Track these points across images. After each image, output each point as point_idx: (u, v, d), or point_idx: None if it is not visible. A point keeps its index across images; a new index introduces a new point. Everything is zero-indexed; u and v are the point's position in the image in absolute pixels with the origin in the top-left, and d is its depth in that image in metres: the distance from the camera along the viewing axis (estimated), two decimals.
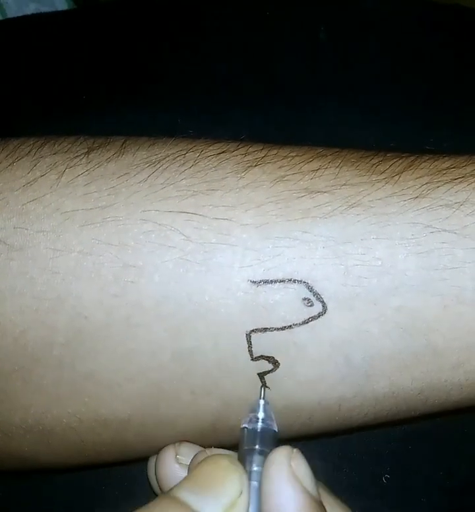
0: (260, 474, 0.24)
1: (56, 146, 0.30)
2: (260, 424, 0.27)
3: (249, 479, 0.24)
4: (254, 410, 0.27)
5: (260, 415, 0.27)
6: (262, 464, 0.25)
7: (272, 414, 0.27)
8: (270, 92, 0.45)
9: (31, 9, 0.61)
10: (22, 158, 0.29)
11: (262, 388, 0.28)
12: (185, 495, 0.22)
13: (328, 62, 0.46)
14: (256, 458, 0.25)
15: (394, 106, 0.44)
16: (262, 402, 0.27)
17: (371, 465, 0.36)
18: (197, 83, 0.46)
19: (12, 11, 0.66)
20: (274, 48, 0.47)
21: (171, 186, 0.28)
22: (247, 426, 0.27)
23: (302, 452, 0.25)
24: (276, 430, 0.27)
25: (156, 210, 0.27)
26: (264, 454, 0.25)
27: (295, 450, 0.24)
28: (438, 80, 0.45)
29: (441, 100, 0.44)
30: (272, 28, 0.48)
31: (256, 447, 0.26)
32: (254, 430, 0.27)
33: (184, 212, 0.27)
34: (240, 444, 0.27)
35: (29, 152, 0.29)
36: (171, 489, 0.23)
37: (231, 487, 0.23)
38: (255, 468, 0.25)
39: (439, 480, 0.36)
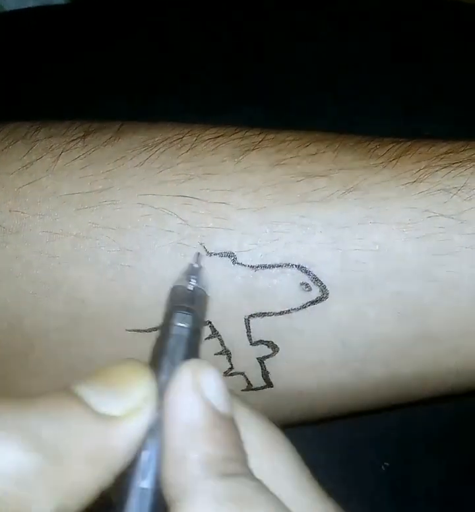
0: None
1: (52, 129, 0.30)
2: (192, 284, 0.23)
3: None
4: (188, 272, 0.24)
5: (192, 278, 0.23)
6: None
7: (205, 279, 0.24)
8: (270, 88, 0.45)
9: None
10: (18, 141, 0.29)
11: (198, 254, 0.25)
12: (84, 391, 0.19)
13: (328, 58, 0.46)
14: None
15: (393, 102, 0.44)
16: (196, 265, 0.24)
17: (369, 453, 0.36)
18: (197, 78, 0.46)
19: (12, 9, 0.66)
20: (274, 44, 0.47)
21: (168, 170, 0.28)
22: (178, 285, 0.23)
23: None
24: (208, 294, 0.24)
25: (153, 194, 0.27)
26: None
27: (205, 363, 0.21)
28: (438, 78, 0.45)
29: (441, 97, 0.44)
30: (272, 24, 0.49)
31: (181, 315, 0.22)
32: (184, 289, 0.23)
33: (181, 196, 0.27)
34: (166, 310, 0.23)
35: (25, 135, 0.29)
36: (71, 383, 0.20)
37: (137, 390, 0.19)
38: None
39: (440, 468, 0.36)
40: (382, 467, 0.36)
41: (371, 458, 0.36)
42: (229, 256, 0.27)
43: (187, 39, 0.49)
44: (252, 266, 0.27)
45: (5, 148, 0.29)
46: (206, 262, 0.27)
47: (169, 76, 0.47)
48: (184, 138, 0.29)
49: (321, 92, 0.45)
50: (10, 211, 0.27)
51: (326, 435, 0.36)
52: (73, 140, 0.29)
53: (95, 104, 0.45)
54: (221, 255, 0.27)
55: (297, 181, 0.28)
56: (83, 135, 0.29)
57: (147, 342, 0.28)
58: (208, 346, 0.28)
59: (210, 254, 0.27)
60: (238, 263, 0.27)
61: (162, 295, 0.27)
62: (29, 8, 0.51)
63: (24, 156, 0.28)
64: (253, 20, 0.49)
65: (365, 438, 0.36)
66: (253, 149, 0.29)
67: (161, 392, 0.20)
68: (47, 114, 0.32)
